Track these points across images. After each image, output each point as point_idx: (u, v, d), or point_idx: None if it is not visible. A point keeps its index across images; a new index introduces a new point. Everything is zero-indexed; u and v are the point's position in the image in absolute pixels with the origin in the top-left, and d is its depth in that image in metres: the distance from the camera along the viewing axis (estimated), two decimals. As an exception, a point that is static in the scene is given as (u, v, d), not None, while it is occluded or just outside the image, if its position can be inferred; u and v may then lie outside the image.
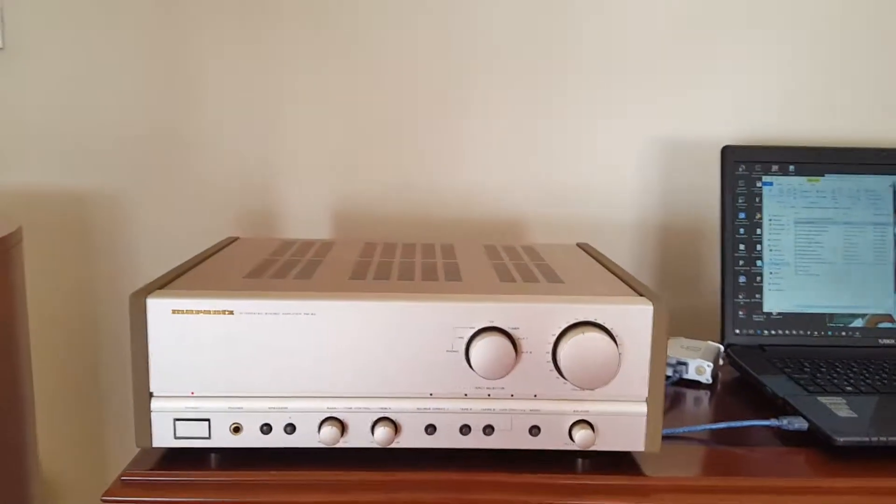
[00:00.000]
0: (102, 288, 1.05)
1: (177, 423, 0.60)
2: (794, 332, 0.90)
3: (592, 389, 0.61)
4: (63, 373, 1.07)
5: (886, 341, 0.90)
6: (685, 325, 1.05)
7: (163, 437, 0.60)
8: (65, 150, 1.02)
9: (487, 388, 0.61)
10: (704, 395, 0.82)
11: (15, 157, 1.02)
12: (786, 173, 0.92)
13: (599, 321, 0.60)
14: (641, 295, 0.63)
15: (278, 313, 0.60)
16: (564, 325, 0.60)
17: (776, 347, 0.89)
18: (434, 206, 1.04)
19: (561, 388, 0.61)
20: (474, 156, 1.03)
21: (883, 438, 0.66)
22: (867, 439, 0.66)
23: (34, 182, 1.02)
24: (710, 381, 0.84)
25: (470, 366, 0.60)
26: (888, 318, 0.91)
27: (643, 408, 0.62)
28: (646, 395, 0.62)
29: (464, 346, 0.61)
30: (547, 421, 0.62)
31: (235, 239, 0.88)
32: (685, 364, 0.85)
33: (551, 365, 0.61)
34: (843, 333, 0.90)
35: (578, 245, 0.90)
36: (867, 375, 0.81)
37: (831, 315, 0.91)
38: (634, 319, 0.61)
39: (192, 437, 0.61)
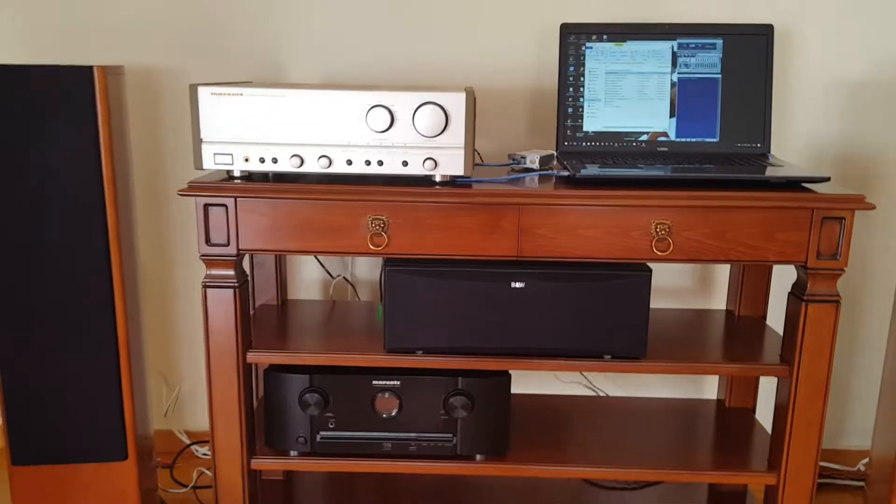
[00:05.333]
0: (166, 120, 1.59)
1: (215, 155, 1.15)
2: (603, 144, 1.42)
3: (435, 137, 1.14)
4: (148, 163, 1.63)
5: (662, 149, 1.41)
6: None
7: (208, 163, 1.15)
8: (135, 36, 1.55)
9: (379, 139, 1.15)
10: (535, 176, 1.34)
11: (101, 41, 1.56)
12: (601, 41, 1.42)
13: (437, 101, 1.13)
14: (464, 91, 1.15)
15: (265, 96, 1.13)
16: (418, 104, 1.13)
17: (589, 153, 1.41)
18: (394, 78, 1.57)
19: (419, 139, 1.14)
20: (415, 42, 1.55)
21: (610, 173, 1.18)
22: (599, 173, 1.18)
23: (117, 59, 1.56)
24: (538, 167, 1.36)
25: (368, 126, 1.13)
26: (664, 134, 1.41)
27: (462, 151, 1.15)
28: (463, 143, 1.14)
29: (365, 115, 1.13)
30: (411, 157, 1.15)
31: (250, 81, 1.41)
32: (525, 157, 1.37)
33: (412, 126, 1.14)
34: (634, 144, 1.42)
35: (465, 88, 1.42)
36: (633, 162, 1.32)
37: (628, 132, 1.42)
38: (457, 101, 1.13)
39: (223, 163, 1.15)
